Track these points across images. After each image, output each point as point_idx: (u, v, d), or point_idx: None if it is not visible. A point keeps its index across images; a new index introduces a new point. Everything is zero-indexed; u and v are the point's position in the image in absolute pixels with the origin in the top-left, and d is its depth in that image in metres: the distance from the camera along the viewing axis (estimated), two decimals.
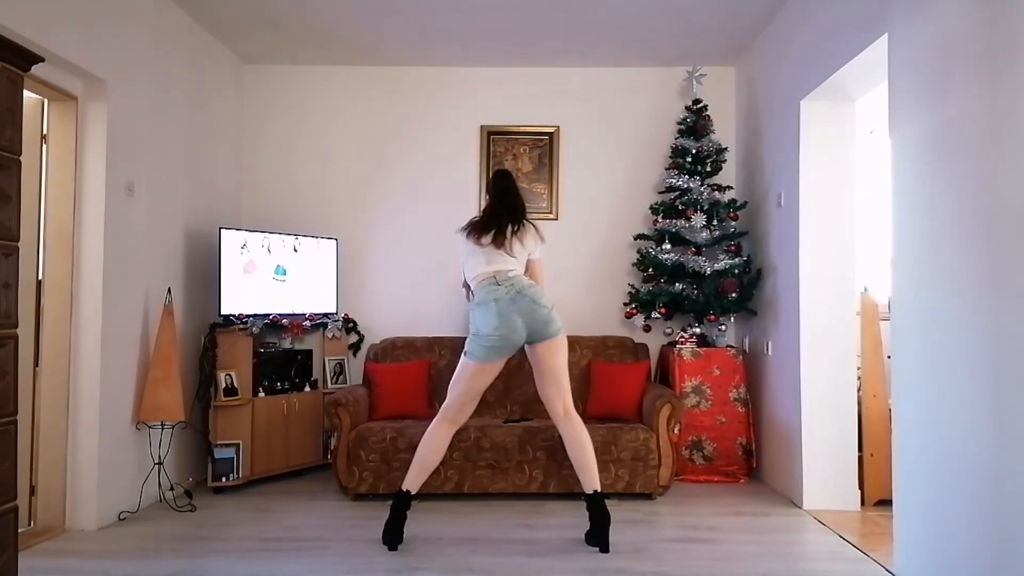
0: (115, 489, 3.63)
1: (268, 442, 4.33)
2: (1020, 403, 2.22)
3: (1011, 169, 2.28)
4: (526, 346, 3.32)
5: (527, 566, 3.03)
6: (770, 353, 4.38)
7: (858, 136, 4.02)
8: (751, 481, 4.45)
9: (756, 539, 3.40)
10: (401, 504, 3.24)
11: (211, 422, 4.17)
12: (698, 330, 4.62)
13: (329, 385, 4.77)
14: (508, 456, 3.95)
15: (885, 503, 3.68)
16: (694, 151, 4.69)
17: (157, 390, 3.79)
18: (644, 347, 4.77)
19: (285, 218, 5.06)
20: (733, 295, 4.49)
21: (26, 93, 2.61)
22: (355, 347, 4.95)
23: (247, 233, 4.42)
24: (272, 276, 4.53)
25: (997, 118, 2.35)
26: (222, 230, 4.27)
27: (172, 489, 3.96)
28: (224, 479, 4.14)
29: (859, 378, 4.00)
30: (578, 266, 5.02)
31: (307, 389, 4.62)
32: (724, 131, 4.96)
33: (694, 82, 4.86)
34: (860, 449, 3.94)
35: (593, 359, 4.64)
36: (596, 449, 3.87)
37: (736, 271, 4.56)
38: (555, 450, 3.86)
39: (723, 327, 4.69)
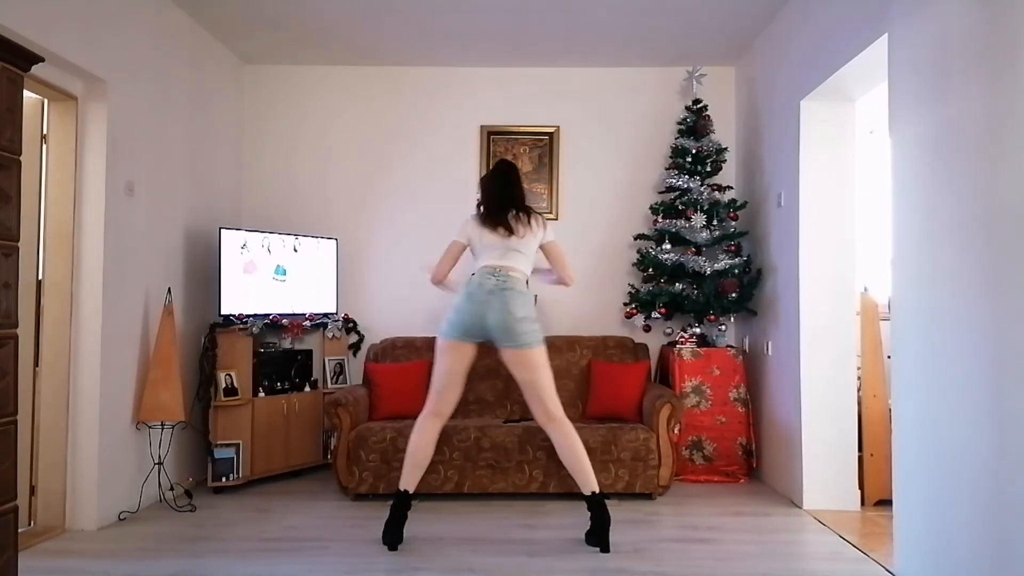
0: (115, 489, 3.63)
1: (268, 442, 4.33)
2: (1020, 403, 2.22)
3: (1011, 169, 2.28)
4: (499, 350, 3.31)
5: (527, 566, 3.03)
6: (770, 353, 4.38)
7: (858, 136, 4.02)
8: (751, 481, 4.45)
9: (756, 539, 3.40)
10: (401, 504, 3.24)
11: (211, 422, 4.17)
12: (698, 330, 4.62)
13: (329, 385, 4.77)
14: (508, 456, 3.95)
15: (885, 503, 3.68)
16: (694, 151, 4.69)
17: (157, 390, 3.79)
18: (644, 347, 4.77)
19: (285, 218, 5.06)
20: (733, 295, 4.49)
21: (26, 93, 2.61)
22: (355, 347, 4.95)
23: (247, 233, 4.42)
24: (272, 276, 4.53)
25: (997, 118, 2.35)
26: (222, 230, 4.27)
27: (172, 489, 3.96)
28: (224, 479, 4.14)
29: (859, 378, 4.00)
30: (578, 266, 4.92)
31: (307, 389, 4.62)
32: (724, 131, 4.96)
33: (694, 82, 4.86)
34: (860, 449, 3.94)
35: (593, 359, 4.64)
36: (596, 449, 3.89)
37: (736, 271, 4.56)
38: (555, 450, 3.85)
39: (723, 327, 4.69)
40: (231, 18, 4.38)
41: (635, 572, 2.96)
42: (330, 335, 4.78)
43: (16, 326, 2.22)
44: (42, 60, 2.33)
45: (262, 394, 4.35)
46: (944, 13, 2.63)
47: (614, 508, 3.39)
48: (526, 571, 2.98)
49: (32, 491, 3.42)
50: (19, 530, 2.23)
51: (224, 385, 4.17)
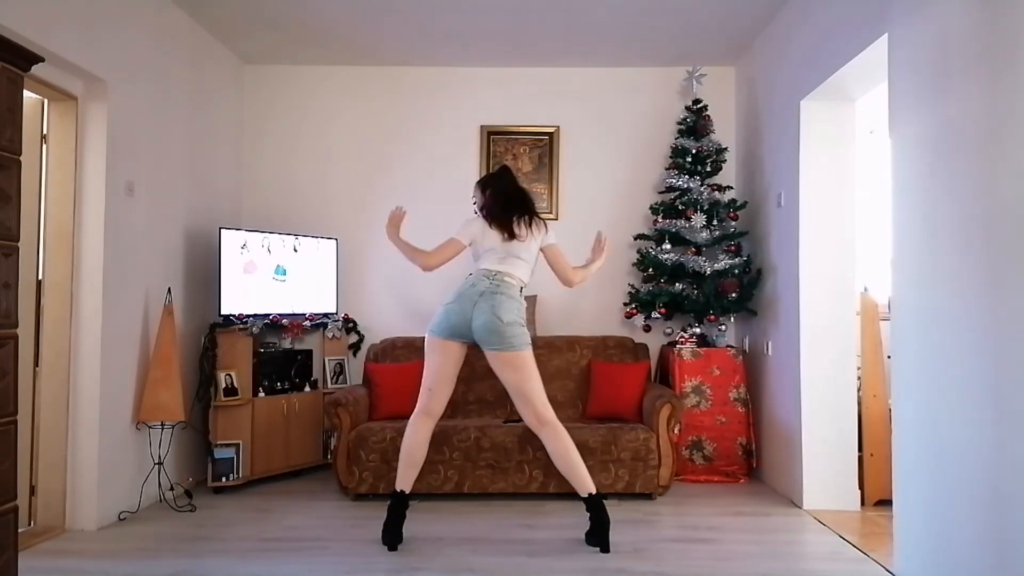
0: (115, 489, 3.63)
1: (268, 442, 4.33)
2: (1020, 403, 2.22)
3: (1011, 169, 2.28)
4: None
5: (527, 566, 3.03)
6: (770, 353, 4.38)
7: (858, 136, 4.02)
8: (751, 481, 4.45)
9: (756, 539, 3.40)
10: (398, 505, 3.24)
11: (211, 422, 4.17)
12: (698, 330, 4.62)
13: (329, 385, 4.77)
14: (508, 456, 3.95)
15: (885, 503, 3.68)
16: (694, 151, 4.69)
17: (157, 390, 3.79)
18: (644, 347, 4.77)
19: (285, 218, 5.06)
20: (733, 295, 4.49)
21: (26, 93, 2.61)
22: (355, 347, 4.95)
23: (247, 233, 4.42)
24: (272, 276, 4.53)
25: (997, 118, 2.35)
26: (222, 230, 4.27)
27: (172, 489, 3.96)
28: (224, 479, 4.14)
29: (859, 378, 4.00)
30: (578, 265, 5.01)
31: (307, 389, 4.62)
32: (724, 131, 4.96)
33: (694, 82, 4.86)
34: (860, 449, 3.94)
35: (593, 359, 4.64)
36: (596, 449, 3.89)
37: (736, 271, 4.56)
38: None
39: (723, 327, 4.69)
40: (231, 18, 4.38)
41: (635, 572, 2.96)
42: (330, 335, 4.78)
43: (16, 326, 2.22)
44: (42, 60, 2.33)
45: (262, 394, 4.35)
46: (944, 13, 2.63)
47: (614, 508, 3.39)
48: (526, 571, 2.98)
49: (32, 491, 3.42)
50: (19, 530, 2.24)
51: (224, 385, 4.17)
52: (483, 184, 3.54)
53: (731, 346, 4.72)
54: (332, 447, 4.20)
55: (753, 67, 4.74)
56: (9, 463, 2.16)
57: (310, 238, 4.75)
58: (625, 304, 4.86)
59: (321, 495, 4.12)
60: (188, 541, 3.34)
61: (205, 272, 4.49)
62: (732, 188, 4.88)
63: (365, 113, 5.17)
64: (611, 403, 4.34)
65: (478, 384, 4.48)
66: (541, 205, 5.09)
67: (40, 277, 3.45)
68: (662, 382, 4.72)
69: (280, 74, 5.17)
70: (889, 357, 3.12)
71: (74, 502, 3.48)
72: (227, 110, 4.94)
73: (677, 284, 4.59)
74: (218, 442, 4.15)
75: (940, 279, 2.64)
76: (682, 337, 4.60)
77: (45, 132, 3.47)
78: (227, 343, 4.22)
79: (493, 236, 3.32)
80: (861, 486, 3.91)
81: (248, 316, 4.34)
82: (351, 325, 4.91)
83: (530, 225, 3.37)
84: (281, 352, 4.60)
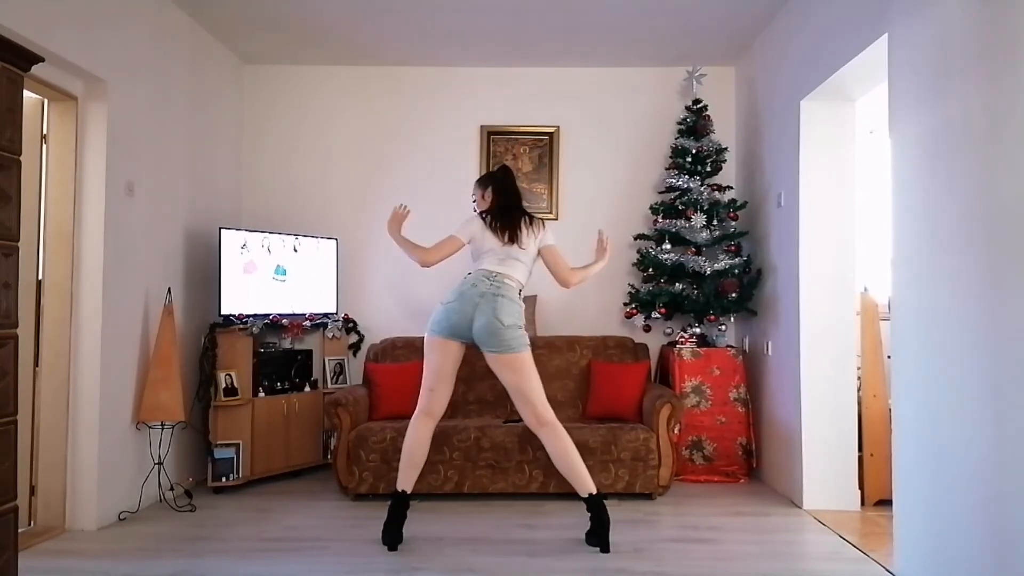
0: (115, 489, 3.63)
1: (268, 442, 4.33)
2: (1020, 403, 2.22)
3: (1011, 169, 2.28)
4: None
5: (527, 566, 3.03)
6: (770, 353, 4.38)
7: (858, 136, 4.02)
8: (751, 481, 4.45)
9: (756, 539, 3.40)
10: (398, 504, 3.24)
11: (211, 422, 4.17)
12: (698, 330, 4.62)
13: (329, 385, 4.77)
14: (508, 456, 3.95)
15: (885, 503, 3.68)
16: (694, 151, 4.69)
17: (157, 390, 3.79)
18: (644, 347, 4.77)
19: (285, 218, 5.06)
20: (733, 295, 4.49)
21: (26, 93, 2.61)
22: (355, 347, 4.95)
23: (247, 233, 4.42)
24: (272, 276, 4.53)
25: (997, 118, 2.35)
26: (222, 230, 4.27)
27: (172, 489, 3.96)
28: (224, 479, 4.14)
29: (859, 378, 4.00)
30: (578, 266, 5.01)
31: (307, 389, 4.62)
32: (724, 131, 4.96)
33: (694, 82, 4.87)
34: (860, 449, 3.94)
35: (593, 359, 4.64)
36: (596, 449, 3.89)
37: (736, 271, 4.56)
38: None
39: (723, 327, 4.69)
40: (231, 18, 4.38)
41: (635, 572, 2.96)
42: (330, 335, 4.78)
43: (16, 326, 2.22)
44: (42, 60, 2.33)
45: (262, 394, 4.35)
46: (944, 13, 2.63)
47: (614, 508, 3.39)
48: (526, 571, 2.98)
49: (32, 491, 3.42)
50: (19, 530, 2.23)
51: (224, 385, 4.17)
52: (483, 184, 3.54)
53: (731, 346, 4.72)
54: (332, 447, 4.20)
55: (753, 67, 4.74)
56: (9, 463, 2.16)
57: (310, 238, 4.75)
58: (625, 304, 4.86)
59: (321, 495, 4.12)
60: (188, 541, 3.34)
61: (205, 272, 4.49)
62: (732, 188, 4.88)
63: (365, 113, 5.17)
64: (611, 403, 4.34)
65: (478, 384, 4.48)
66: (541, 205, 5.10)
67: (40, 277, 3.45)
68: (662, 382, 4.72)
69: (280, 74, 5.17)
70: (889, 357, 3.12)
71: (74, 502, 3.48)
72: (227, 110, 4.94)
73: (677, 284, 4.59)
74: (218, 442, 4.15)
75: (940, 279, 2.64)
76: (682, 337, 4.60)
77: (45, 132, 3.47)
78: (227, 343, 4.22)
79: (493, 238, 3.33)
80: (861, 486, 3.91)
81: (248, 316, 4.34)
82: (351, 325, 4.91)
83: (530, 225, 3.38)
84: (281, 352, 4.60)
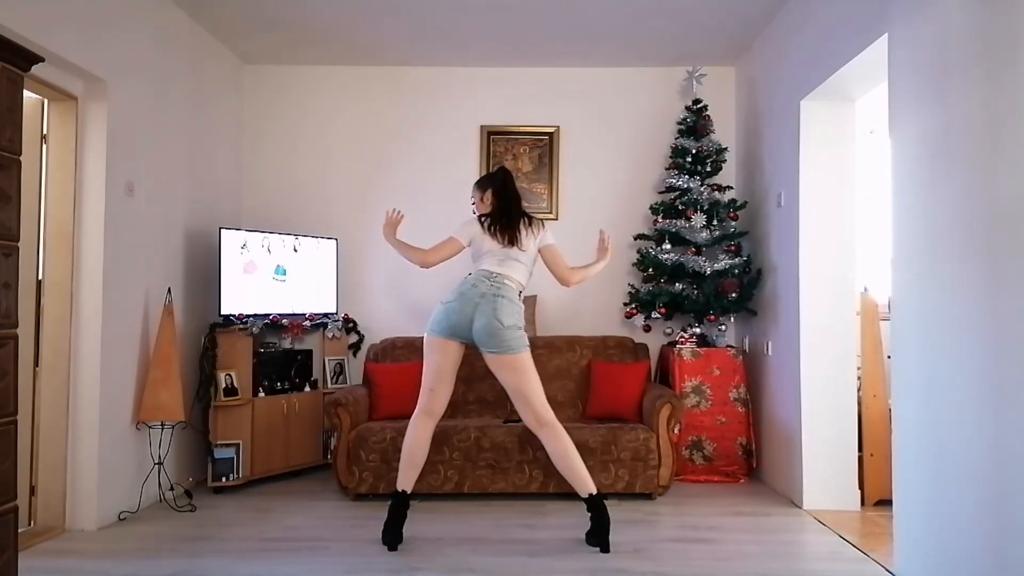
0: (115, 489, 3.63)
1: (268, 442, 4.33)
2: (1020, 403, 2.22)
3: (1011, 169, 2.28)
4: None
5: (527, 566, 3.03)
6: (770, 353, 4.38)
7: (858, 136, 4.02)
8: (751, 481, 4.45)
9: (756, 539, 3.40)
10: (399, 504, 3.24)
11: (211, 422, 4.17)
12: (698, 330, 4.62)
13: (329, 385, 4.77)
14: (508, 456, 3.95)
15: (885, 503, 3.68)
16: (694, 151, 4.69)
17: (157, 390, 3.79)
18: (644, 347, 4.77)
19: (285, 218, 5.06)
20: (733, 295, 4.49)
21: (26, 93, 2.61)
22: (355, 347, 4.95)
23: (247, 233, 4.42)
24: (272, 276, 4.53)
25: (997, 118, 2.35)
26: (222, 230, 4.27)
27: (172, 489, 3.96)
28: (224, 479, 4.14)
29: (859, 378, 4.00)
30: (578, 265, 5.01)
31: (307, 389, 4.62)
32: (724, 131, 4.96)
33: (694, 82, 4.87)
34: (860, 449, 3.94)
35: (593, 359, 4.64)
36: (596, 449, 3.89)
37: (736, 271, 4.56)
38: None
39: (723, 327, 4.69)
40: (231, 18, 4.38)
41: (635, 572, 2.96)
42: (330, 335, 4.78)
43: (16, 326, 2.22)
44: (42, 60, 2.33)
45: (262, 394, 4.35)
46: (944, 13, 2.63)
47: (614, 508, 3.39)
48: (526, 571, 2.98)
49: (32, 491, 3.42)
50: (19, 530, 2.23)
51: (224, 385, 4.17)
52: (482, 186, 3.54)
53: (731, 346, 4.72)
54: (332, 447, 4.20)
55: (753, 67, 4.74)
56: (9, 463, 2.16)
57: (310, 238, 4.75)
58: (625, 304, 4.86)
59: (321, 495, 4.12)
60: (188, 541, 3.34)
61: (205, 272, 4.49)
62: (732, 188, 4.88)
63: (365, 113, 5.17)
64: (611, 403, 4.34)
65: (478, 384, 4.48)
66: (541, 205, 5.10)
67: (40, 277, 3.45)
68: (662, 382, 4.73)
69: (280, 74, 5.17)
70: (889, 357, 3.12)
71: (74, 502, 3.48)
72: (227, 110, 4.93)
73: (677, 284, 4.59)
74: (218, 442, 4.15)
75: (940, 279, 2.64)
76: (682, 337, 4.60)
77: (45, 132, 3.47)
78: (227, 343, 4.22)
79: (492, 241, 3.33)
80: (861, 486, 3.91)
81: (248, 316, 4.34)
82: (351, 325, 4.91)
83: (529, 226, 3.38)
84: (281, 352, 4.60)
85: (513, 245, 3.32)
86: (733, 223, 4.63)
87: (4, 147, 2.14)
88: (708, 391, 4.47)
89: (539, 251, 3.43)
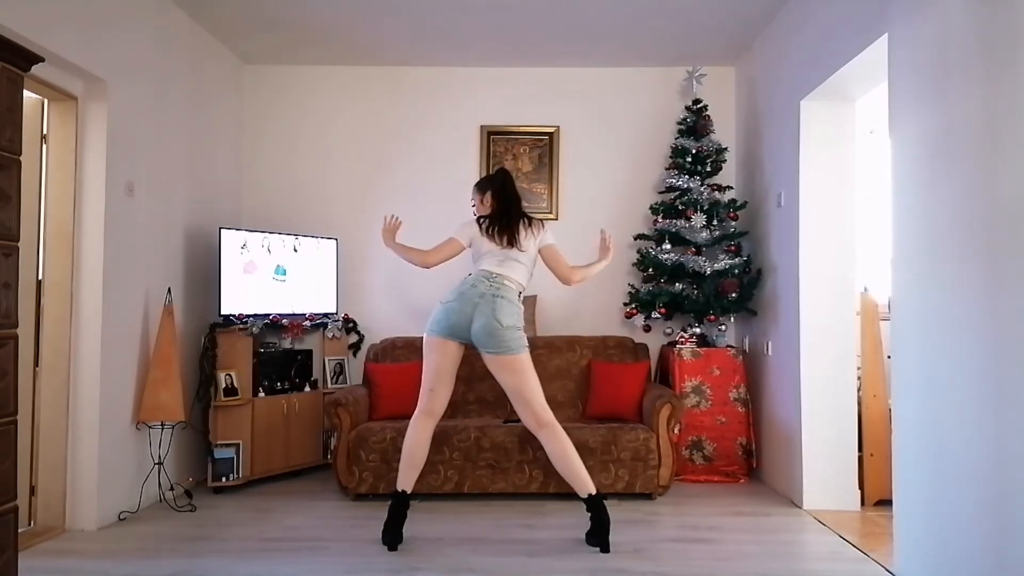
0: (115, 489, 3.63)
1: (268, 442, 4.33)
2: (1020, 403, 2.22)
3: (1011, 169, 2.28)
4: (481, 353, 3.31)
5: (527, 566, 3.03)
6: (770, 353, 4.38)
7: (858, 136, 4.02)
8: (751, 481, 4.45)
9: (756, 539, 3.40)
10: (399, 504, 3.24)
11: (211, 422, 4.17)
12: (698, 330, 4.62)
13: (329, 385, 4.77)
14: (508, 456, 3.95)
15: (885, 503, 3.68)
16: (694, 151, 4.69)
17: (157, 390, 3.79)
18: (644, 347, 4.77)
19: (285, 218, 5.06)
20: (733, 295, 4.49)
21: (26, 93, 2.61)
22: (355, 347, 4.95)
23: (247, 233, 4.42)
24: (272, 276, 4.53)
25: (997, 118, 2.35)
26: (222, 230, 4.27)
27: (172, 489, 3.96)
28: (224, 479, 4.14)
29: (859, 378, 4.00)
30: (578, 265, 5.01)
31: (307, 389, 4.62)
32: (724, 131, 4.96)
33: (694, 82, 4.87)
34: (860, 449, 3.94)
35: (593, 359, 4.64)
36: (596, 449, 3.89)
37: (736, 271, 4.56)
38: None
39: (723, 327, 4.69)
40: (231, 18, 4.38)
41: (635, 572, 2.96)
42: (330, 335, 4.78)
43: (16, 326, 2.22)
44: (42, 60, 2.33)
45: (262, 394, 4.35)
46: (944, 13, 2.63)
47: (614, 508, 3.39)
48: (526, 571, 2.98)
49: (32, 491, 3.42)
50: (19, 530, 2.23)
51: (224, 385, 4.17)
52: (482, 188, 3.53)
53: (731, 346, 4.72)
54: (332, 447, 4.20)
55: (753, 67, 4.74)
56: (9, 463, 2.16)
57: (310, 238, 4.75)
58: (625, 304, 4.86)
59: (321, 495, 4.12)
60: (188, 541, 3.34)
61: (205, 272, 4.49)
62: (732, 188, 4.88)
63: (365, 113, 5.17)
64: (611, 403, 4.34)
65: (478, 384, 4.48)
66: (541, 205, 5.10)
67: (40, 277, 3.45)
68: (662, 382, 4.72)
69: (280, 74, 5.17)
70: (889, 357, 3.12)
71: (74, 502, 3.48)
72: (227, 110, 4.94)
73: (677, 284, 4.59)
74: (218, 442, 4.15)
75: (940, 279, 2.64)
76: (682, 337, 4.60)
77: (45, 132, 3.47)
78: (227, 343, 4.22)
79: (491, 242, 3.33)
80: (861, 486, 3.91)
81: (248, 316, 4.34)
82: (351, 325, 4.91)
83: (529, 227, 3.38)
84: (281, 352, 4.60)
85: (512, 246, 3.32)
86: (733, 223, 4.63)
87: (4, 147, 2.14)
88: (708, 391, 4.47)
89: (539, 251, 3.43)
